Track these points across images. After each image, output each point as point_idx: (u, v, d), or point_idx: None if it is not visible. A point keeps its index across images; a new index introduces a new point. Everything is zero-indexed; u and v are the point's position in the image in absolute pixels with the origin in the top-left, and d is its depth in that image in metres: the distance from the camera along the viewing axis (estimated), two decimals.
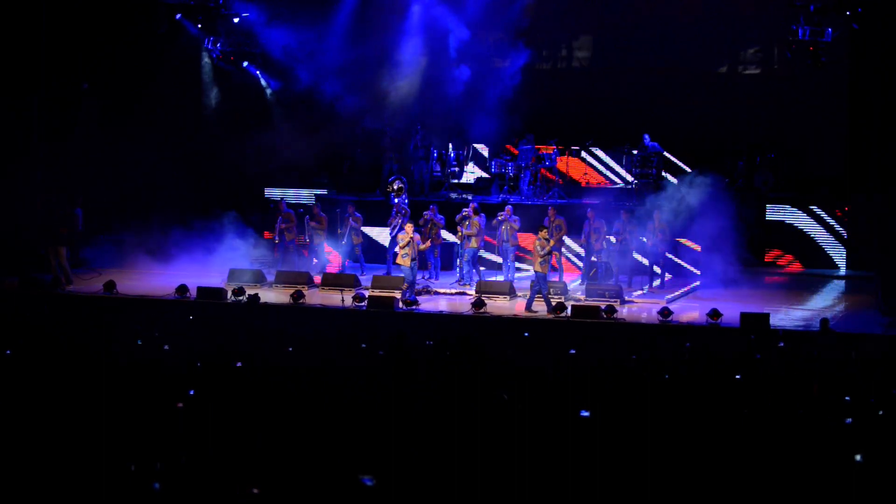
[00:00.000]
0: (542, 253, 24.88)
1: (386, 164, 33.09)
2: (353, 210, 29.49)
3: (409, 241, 25.86)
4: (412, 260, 25.79)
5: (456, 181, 33.25)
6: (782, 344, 19.77)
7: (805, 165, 32.15)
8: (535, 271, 25.15)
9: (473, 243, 27.97)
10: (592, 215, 28.32)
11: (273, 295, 26.86)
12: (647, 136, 31.63)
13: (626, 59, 33.86)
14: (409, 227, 26.19)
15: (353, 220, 29.36)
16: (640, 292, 27.56)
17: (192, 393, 13.84)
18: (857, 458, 11.85)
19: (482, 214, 28.48)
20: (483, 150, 34.26)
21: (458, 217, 28.34)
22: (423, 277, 28.96)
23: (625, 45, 33.82)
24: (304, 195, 33.40)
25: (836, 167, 31.77)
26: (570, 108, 33.47)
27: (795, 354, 19.02)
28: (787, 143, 32.30)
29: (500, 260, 29.10)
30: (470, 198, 31.34)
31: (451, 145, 33.35)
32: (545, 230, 25.46)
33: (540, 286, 24.98)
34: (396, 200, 29.40)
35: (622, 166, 32.91)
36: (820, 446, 12.25)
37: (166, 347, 17.74)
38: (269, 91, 34.38)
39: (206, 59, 33.85)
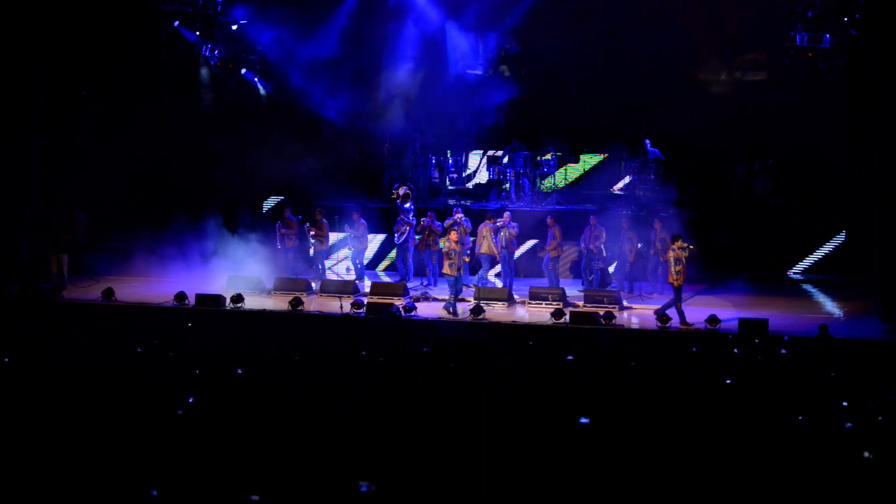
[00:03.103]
0: (675, 266, 24.65)
1: (386, 171, 33.16)
2: (359, 217, 29.57)
3: (452, 250, 25.69)
4: (458, 270, 25.68)
5: (454, 187, 33.30)
6: (784, 351, 19.75)
7: (804, 171, 32.10)
8: (670, 282, 24.85)
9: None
10: (594, 222, 28.38)
11: (271, 302, 26.92)
12: (648, 142, 31.65)
13: (624, 66, 33.84)
14: (453, 236, 25.99)
15: (357, 226, 29.43)
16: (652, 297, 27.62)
17: (191, 400, 13.87)
18: (866, 454, 11.93)
19: (467, 219, 28.58)
20: (480, 156, 34.35)
21: (445, 223, 28.40)
22: (421, 284, 29.04)
23: (622, 51, 33.80)
24: (303, 201, 33.41)
25: (835, 173, 31.76)
26: (568, 115, 33.46)
27: (794, 360, 19.02)
28: (786, 148, 32.24)
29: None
30: (469, 204, 31.44)
31: (448, 152, 33.41)
32: (680, 239, 24.78)
33: (675, 296, 24.80)
34: (407, 206, 29.42)
35: (620, 173, 32.89)
36: (820, 452, 12.28)
37: (170, 354, 17.78)
38: (266, 98, 34.39)
39: (204, 67, 33.86)
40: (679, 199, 31.09)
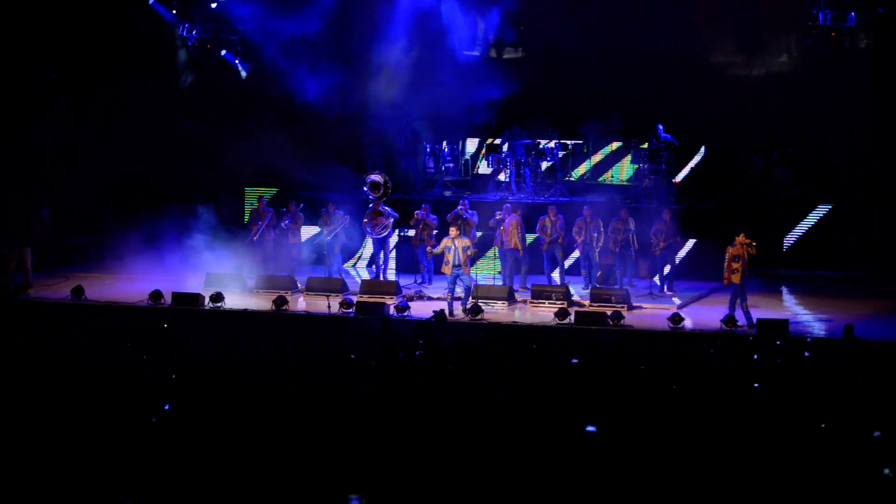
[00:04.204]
0: (734, 264, 24.39)
1: (368, 160, 32.87)
2: (334, 209, 29.33)
3: (448, 248, 25.56)
4: (454, 268, 25.47)
5: (451, 178, 33.11)
6: (807, 353, 19.64)
7: (826, 161, 31.85)
8: (732, 281, 24.54)
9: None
10: (589, 213, 28.16)
11: (254, 301, 26.77)
12: (660, 127, 31.43)
13: (635, 50, 33.56)
14: (453, 231, 25.90)
15: (342, 219, 29.23)
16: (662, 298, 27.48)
17: (167, 407, 13.77)
18: (886, 471, 11.81)
19: (473, 213, 28.46)
20: (478, 144, 34.23)
21: (448, 216, 28.26)
22: (415, 282, 28.89)
23: (633, 34, 33.55)
24: (286, 193, 33.27)
25: (860, 162, 31.58)
26: (575, 101, 33.23)
27: (817, 363, 18.93)
28: (806, 137, 31.89)
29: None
30: (467, 195, 31.26)
31: (444, 140, 33.20)
32: (742, 235, 24.60)
33: (740, 297, 24.54)
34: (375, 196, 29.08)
35: (630, 162, 32.72)
36: (846, 461, 12.20)
37: (144, 357, 17.66)
38: (247, 82, 34.18)
39: (182, 48, 33.71)
40: (691, 189, 31.01)
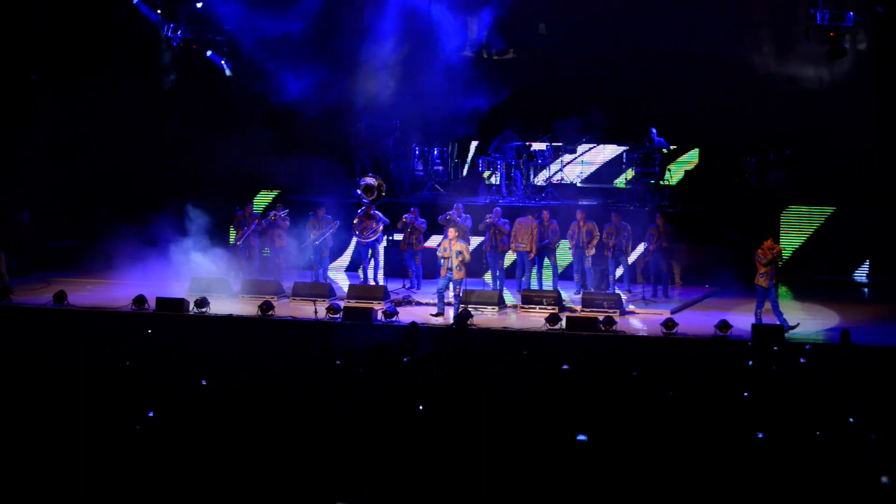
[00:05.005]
0: (764, 263, 24.52)
1: (357, 162, 32.90)
2: (323, 213, 29.38)
3: (447, 249, 25.76)
4: (447, 270, 25.62)
5: (440, 181, 33.12)
6: (803, 360, 19.71)
7: (825, 162, 31.84)
8: (757, 284, 24.68)
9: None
10: (582, 217, 28.24)
11: (240, 306, 26.82)
12: (654, 130, 31.43)
13: (630, 50, 33.54)
14: (451, 233, 26.05)
15: (331, 224, 29.25)
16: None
17: (151, 414, 13.81)
18: (884, 479, 11.91)
19: (467, 217, 28.51)
20: (468, 147, 34.26)
21: (440, 218, 28.31)
22: (403, 287, 28.96)
23: (627, 35, 33.54)
24: (273, 196, 33.31)
25: (860, 164, 31.63)
26: (567, 103, 33.18)
27: (813, 370, 18.99)
28: (805, 137, 31.88)
29: None
30: (456, 199, 31.30)
31: (434, 142, 33.19)
32: (770, 239, 24.78)
33: (758, 301, 24.66)
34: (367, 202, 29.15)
35: (622, 164, 32.73)
36: (843, 466, 12.29)
37: (128, 363, 17.69)
38: (233, 84, 34.16)
39: (167, 49, 33.72)
40: (686, 192, 31.04)
